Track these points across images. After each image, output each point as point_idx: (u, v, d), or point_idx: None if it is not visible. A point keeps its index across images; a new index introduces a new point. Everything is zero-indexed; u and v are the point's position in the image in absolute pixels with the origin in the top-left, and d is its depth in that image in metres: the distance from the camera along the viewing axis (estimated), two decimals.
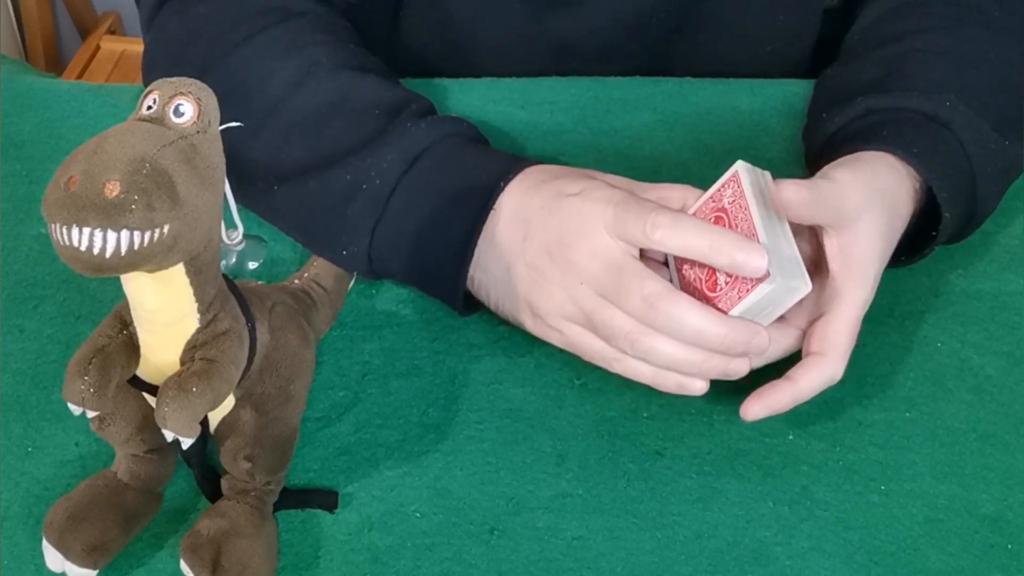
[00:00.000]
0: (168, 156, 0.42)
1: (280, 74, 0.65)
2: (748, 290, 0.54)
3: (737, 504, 0.59)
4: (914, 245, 0.66)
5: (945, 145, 0.64)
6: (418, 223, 0.61)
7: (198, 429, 0.48)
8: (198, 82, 0.45)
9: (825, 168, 0.61)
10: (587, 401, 0.63)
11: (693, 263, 0.57)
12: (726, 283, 0.55)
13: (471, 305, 0.64)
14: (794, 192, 0.55)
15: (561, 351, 0.63)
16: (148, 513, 0.56)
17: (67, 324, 0.65)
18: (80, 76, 1.93)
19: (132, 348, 0.50)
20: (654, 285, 0.55)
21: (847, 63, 0.74)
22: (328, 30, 0.69)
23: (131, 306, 0.48)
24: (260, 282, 0.60)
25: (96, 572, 0.54)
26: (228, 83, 0.63)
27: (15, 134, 0.76)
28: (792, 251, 0.56)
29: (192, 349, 0.49)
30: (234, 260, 0.67)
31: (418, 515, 0.58)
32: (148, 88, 0.45)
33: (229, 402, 0.53)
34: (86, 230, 0.40)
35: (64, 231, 0.41)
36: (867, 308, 0.59)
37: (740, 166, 0.58)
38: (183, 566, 0.53)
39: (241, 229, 0.57)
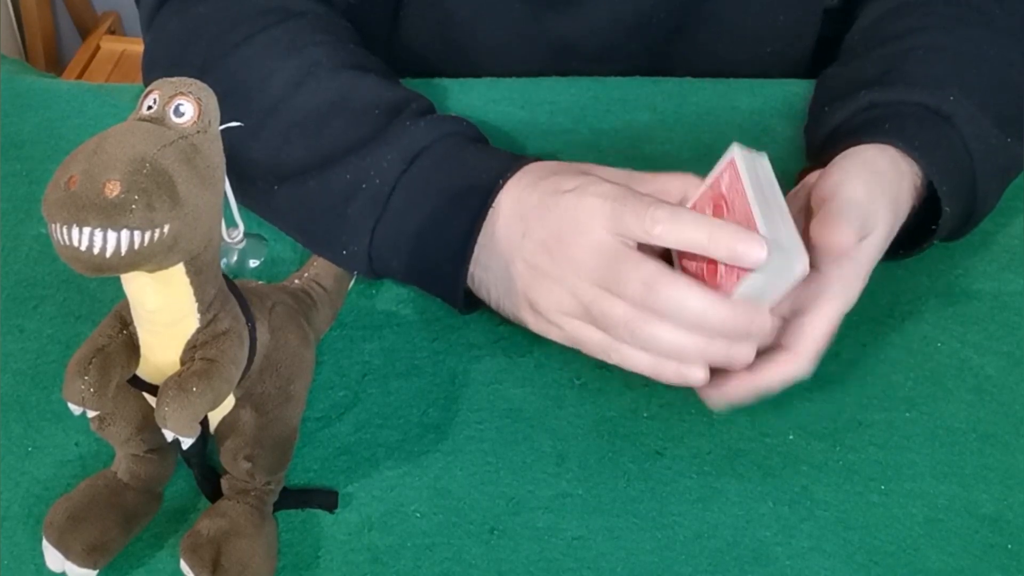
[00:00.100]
0: (168, 156, 0.42)
1: (280, 74, 0.65)
2: (747, 273, 0.54)
3: (737, 504, 0.59)
4: (913, 239, 0.66)
5: (947, 139, 0.64)
6: (418, 222, 0.61)
7: (198, 429, 0.48)
8: (198, 82, 0.45)
9: (837, 179, 0.60)
10: (587, 401, 0.63)
11: (694, 255, 0.57)
12: (726, 270, 0.55)
13: (472, 303, 0.64)
14: (840, 241, 0.57)
15: (561, 351, 0.63)
16: (148, 513, 0.56)
17: (67, 324, 0.65)
18: (80, 76, 1.93)
19: (132, 348, 0.50)
20: (652, 267, 0.54)
21: (847, 62, 0.74)
22: (328, 30, 0.69)
23: (131, 306, 0.48)
24: (260, 282, 0.60)
25: (96, 572, 0.54)
26: (228, 83, 0.63)
27: (15, 134, 0.76)
28: (791, 232, 0.55)
29: (192, 349, 0.49)
30: (235, 258, 0.67)
31: (418, 515, 0.58)
32: (148, 88, 0.45)
33: (229, 402, 0.53)
34: (86, 230, 0.40)
35: (64, 231, 0.41)
36: (849, 309, 0.59)
37: (736, 151, 0.58)
38: (183, 566, 0.53)
39: (242, 227, 0.57)
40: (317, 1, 0.72)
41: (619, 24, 0.81)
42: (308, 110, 0.64)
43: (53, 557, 0.53)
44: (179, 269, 0.46)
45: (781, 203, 0.57)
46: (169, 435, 0.47)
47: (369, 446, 0.60)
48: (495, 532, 0.57)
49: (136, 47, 1.99)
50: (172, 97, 0.44)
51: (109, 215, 0.40)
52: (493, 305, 0.63)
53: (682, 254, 0.59)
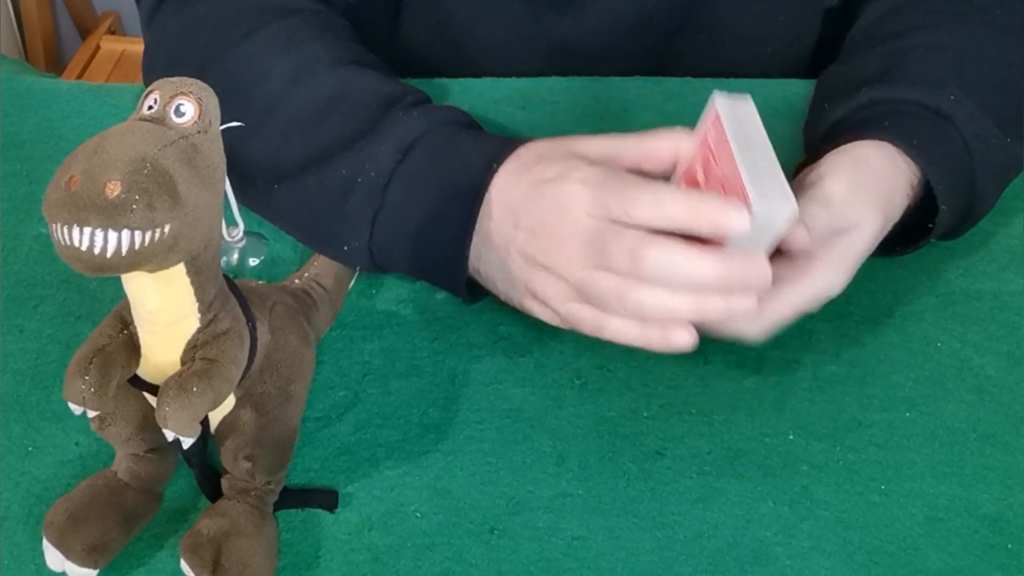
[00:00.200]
0: (169, 156, 0.42)
1: (278, 71, 0.66)
2: None
3: (737, 504, 0.59)
4: (910, 237, 0.66)
5: (947, 138, 0.64)
6: (416, 214, 0.61)
7: (198, 429, 0.48)
8: (199, 82, 0.45)
9: (825, 171, 0.61)
10: (587, 401, 0.63)
11: None
12: None
13: (478, 293, 0.64)
14: (797, 240, 0.56)
15: (561, 351, 0.63)
16: (148, 513, 0.56)
17: (67, 324, 0.65)
18: (80, 76, 1.93)
19: (132, 348, 0.50)
20: (634, 235, 0.54)
21: (848, 61, 0.74)
22: (326, 27, 0.69)
23: (132, 306, 0.48)
24: (260, 282, 0.60)
25: (96, 572, 0.54)
26: (227, 81, 0.63)
27: (15, 134, 0.76)
28: (777, 177, 0.54)
29: (192, 349, 0.49)
30: (236, 257, 0.67)
31: (418, 515, 0.58)
32: (149, 88, 0.45)
33: (229, 402, 0.53)
34: (87, 230, 0.40)
35: (65, 231, 0.41)
36: (829, 298, 0.59)
37: (718, 100, 0.57)
38: (183, 566, 0.53)
39: (242, 226, 0.57)
40: (316, 0, 0.72)
41: (619, 24, 0.81)
42: (306, 106, 0.64)
43: (53, 557, 0.53)
44: (179, 269, 0.46)
45: (767, 147, 0.56)
46: (169, 435, 0.47)
47: (369, 446, 0.61)
48: (495, 532, 0.57)
49: (136, 47, 1.98)
50: (173, 97, 0.44)
51: (110, 215, 0.40)
52: (503, 297, 0.63)
53: None
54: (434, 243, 0.61)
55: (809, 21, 0.84)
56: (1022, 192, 0.74)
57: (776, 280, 0.56)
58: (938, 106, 0.65)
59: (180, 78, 0.45)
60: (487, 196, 0.60)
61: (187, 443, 0.48)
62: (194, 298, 0.47)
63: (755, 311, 0.55)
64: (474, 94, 0.79)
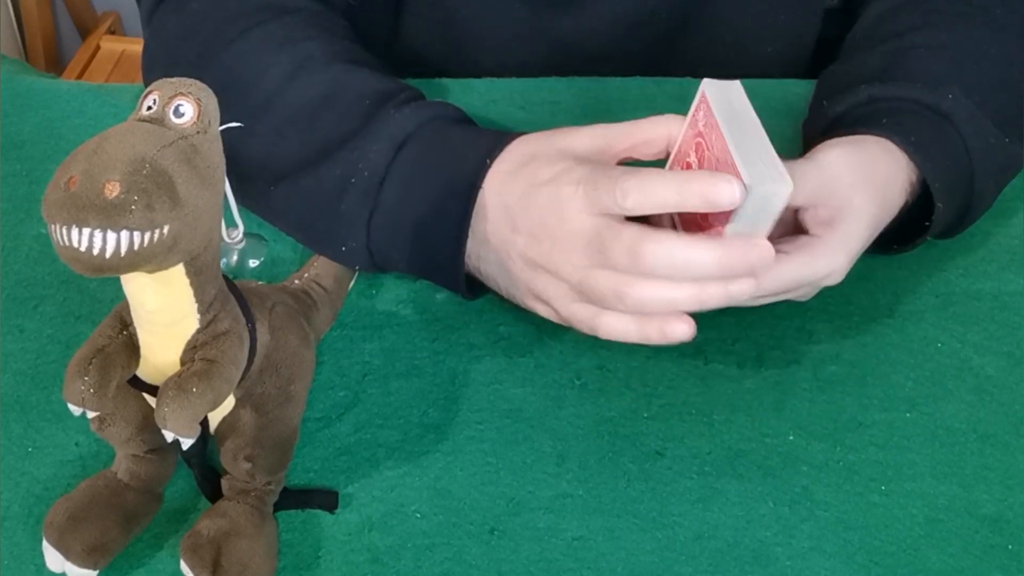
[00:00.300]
0: (168, 156, 0.42)
1: (274, 69, 0.65)
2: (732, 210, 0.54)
3: (737, 504, 0.59)
4: (908, 235, 0.66)
5: (945, 137, 0.64)
6: (412, 212, 0.61)
7: (198, 429, 0.48)
8: (198, 82, 0.45)
9: (823, 145, 0.61)
10: (587, 401, 0.63)
11: None
12: (712, 212, 0.55)
13: (479, 288, 0.64)
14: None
15: (561, 351, 0.63)
16: (148, 513, 0.56)
17: (67, 324, 0.65)
18: (80, 76, 1.93)
19: (132, 348, 0.50)
20: (631, 232, 0.54)
21: (848, 60, 0.74)
22: (324, 26, 0.69)
23: (131, 306, 0.48)
24: (260, 282, 0.60)
25: (96, 572, 0.54)
26: (224, 79, 0.63)
27: (15, 134, 0.76)
28: (770, 158, 0.54)
29: (192, 349, 0.49)
30: (235, 258, 0.67)
31: (418, 515, 0.58)
32: (148, 88, 0.45)
33: (229, 402, 0.53)
34: (86, 230, 0.40)
35: (64, 231, 0.41)
36: (831, 281, 0.59)
37: (707, 85, 0.57)
38: (183, 566, 0.53)
39: (242, 227, 0.57)
40: (315, 0, 0.72)
41: (619, 24, 0.81)
42: (300, 104, 0.64)
43: (53, 557, 0.53)
44: (179, 269, 0.46)
45: (758, 130, 0.56)
46: (169, 435, 0.47)
47: (369, 446, 0.60)
48: (495, 532, 0.57)
49: (136, 47, 1.98)
50: (172, 98, 0.44)
51: (109, 216, 0.40)
52: (505, 295, 0.63)
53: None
54: (431, 243, 0.61)
55: (809, 21, 0.84)
56: (1022, 192, 0.74)
57: (777, 253, 0.56)
58: (937, 105, 0.65)
59: (179, 78, 0.45)
60: (481, 196, 0.60)
61: (187, 444, 0.48)
62: (194, 299, 0.47)
63: (755, 291, 0.55)
64: (474, 94, 0.79)
